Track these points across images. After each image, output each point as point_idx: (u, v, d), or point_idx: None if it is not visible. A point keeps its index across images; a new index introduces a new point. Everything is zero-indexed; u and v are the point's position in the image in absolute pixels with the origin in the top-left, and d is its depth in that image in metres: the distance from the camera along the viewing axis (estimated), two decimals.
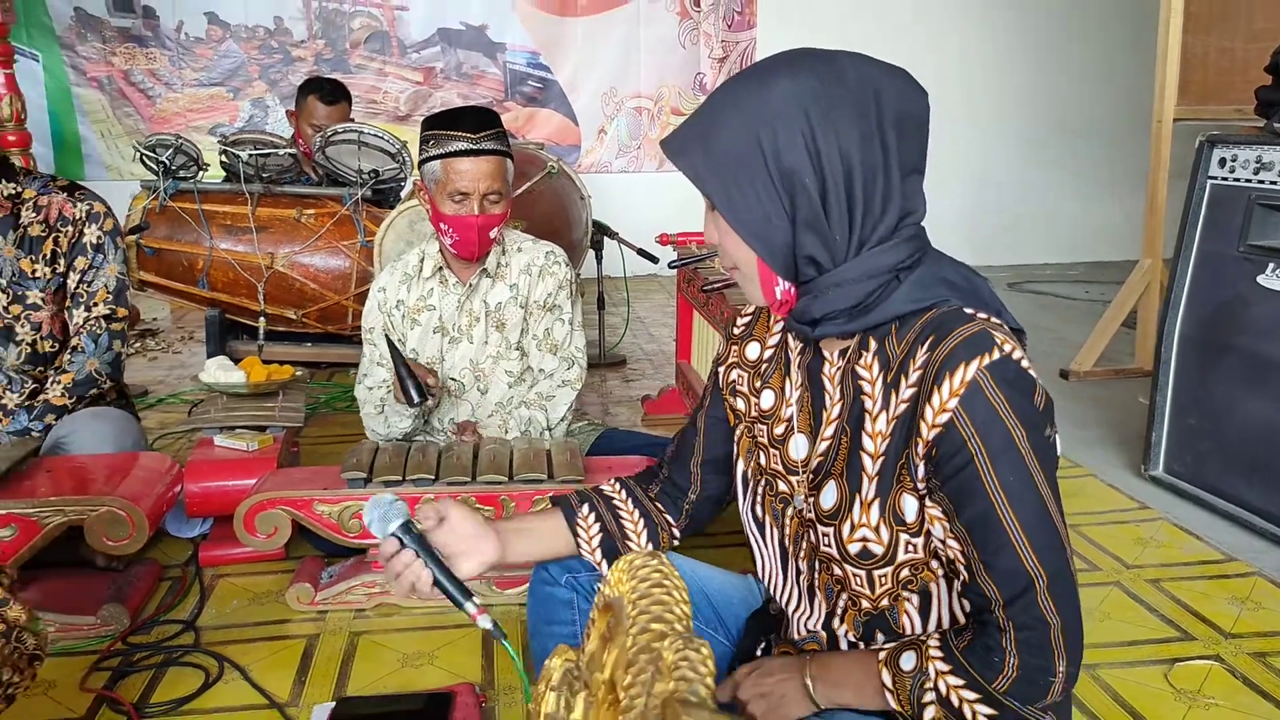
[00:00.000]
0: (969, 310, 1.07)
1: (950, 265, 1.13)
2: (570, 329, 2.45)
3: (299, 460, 2.79)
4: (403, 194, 4.28)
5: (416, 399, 2.21)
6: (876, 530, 1.11)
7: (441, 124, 2.24)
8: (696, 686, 0.58)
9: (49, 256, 2.42)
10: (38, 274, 2.41)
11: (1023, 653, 1.02)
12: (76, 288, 2.43)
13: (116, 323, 2.46)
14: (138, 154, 3.87)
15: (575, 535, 1.38)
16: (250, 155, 3.78)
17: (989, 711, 1.04)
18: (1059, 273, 6.79)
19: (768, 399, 1.27)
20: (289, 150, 3.83)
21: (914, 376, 1.06)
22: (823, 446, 1.17)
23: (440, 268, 2.39)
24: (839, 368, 1.16)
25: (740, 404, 1.32)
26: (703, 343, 3.34)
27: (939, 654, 1.07)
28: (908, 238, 1.09)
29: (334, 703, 1.78)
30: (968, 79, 6.71)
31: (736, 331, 1.37)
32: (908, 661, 1.09)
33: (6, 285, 2.39)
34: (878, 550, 1.11)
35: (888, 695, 1.10)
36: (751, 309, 1.36)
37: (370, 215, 3.83)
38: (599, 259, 4.37)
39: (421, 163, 2.26)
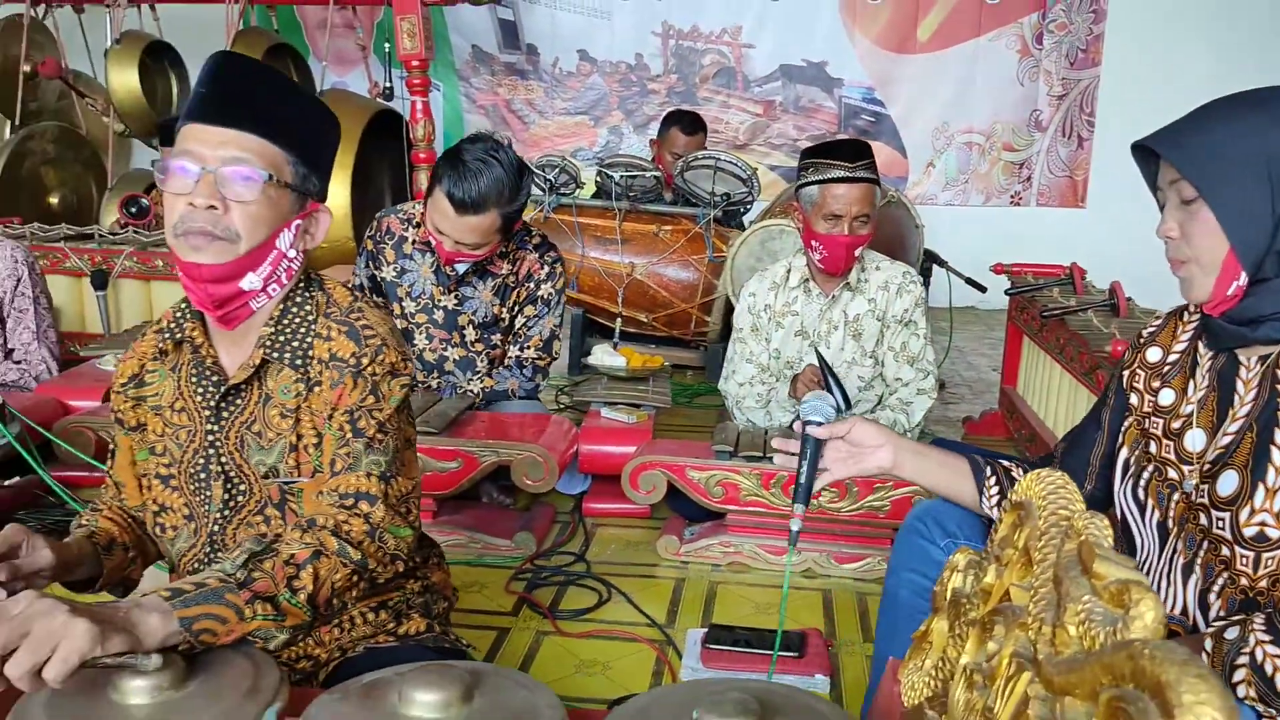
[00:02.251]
0: None
1: None
2: (924, 343, 2.70)
3: None
4: (745, 218, 4.69)
5: (844, 407, 2.53)
6: (1278, 516, 1.24)
7: (821, 154, 2.57)
8: (1102, 540, 0.84)
9: (511, 303, 2.83)
10: (503, 317, 2.84)
11: None
12: (519, 328, 2.84)
13: (542, 373, 2.87)
14: None
15: (980, 491, 1.57)
16: (621, 176, 4.32)
17: None
18: None
19: (1166, 396, 1.42)
20: (654, 173, 4.34)
21: None
22: (1224, 440, 1.31)
23: (806, 280, 2.73)
24: (1256, 372, 1.31)
25: (1134, 399, 1.48)
26: (1031, 368, 3.47)
27: (1262, 626, 1.21)
28: None
29: (705, 628, 2.15)
30: None
31: (1141, 340, 1.52)
32: (1232, 633, 1.23)
33: (479, 324, 2.83)
34: (1275, 534, 1.24)
35: (1204, 657, 1.23)
36: (1158, 321, 1.51)
37: (718, 233, 4.26)
38: (926, 286, 4.56)
39: (799, 187, 2.60)
